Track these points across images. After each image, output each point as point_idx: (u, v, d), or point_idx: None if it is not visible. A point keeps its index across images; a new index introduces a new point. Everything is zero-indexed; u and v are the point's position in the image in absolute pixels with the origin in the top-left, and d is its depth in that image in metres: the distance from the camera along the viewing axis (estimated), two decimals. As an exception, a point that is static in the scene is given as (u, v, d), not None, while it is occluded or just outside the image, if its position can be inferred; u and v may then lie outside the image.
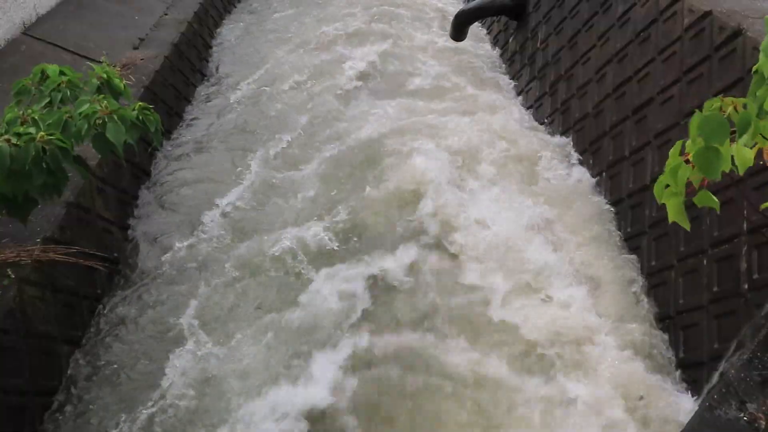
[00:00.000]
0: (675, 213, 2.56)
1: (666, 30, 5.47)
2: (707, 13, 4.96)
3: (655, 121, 5.41)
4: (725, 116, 2.32)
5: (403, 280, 5.25)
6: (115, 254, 5.57)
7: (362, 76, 8.76)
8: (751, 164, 2.45)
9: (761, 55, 2.32)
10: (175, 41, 8.57)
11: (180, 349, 4.74)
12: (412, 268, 5.37)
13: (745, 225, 4.18)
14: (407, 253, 5.47)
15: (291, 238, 5.59)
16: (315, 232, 5.69)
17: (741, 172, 2.45)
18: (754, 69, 2.35)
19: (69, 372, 4.58)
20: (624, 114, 5.91)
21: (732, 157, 2.41)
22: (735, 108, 2.33)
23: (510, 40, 9.29)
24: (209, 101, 8.46)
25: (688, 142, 2.46)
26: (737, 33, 4.57)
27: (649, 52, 5.67)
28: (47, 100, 4.09)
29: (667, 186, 2.55)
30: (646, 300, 5.03)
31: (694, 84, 4.97)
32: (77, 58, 7.23)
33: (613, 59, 6.26)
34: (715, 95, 4.62)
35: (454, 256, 5.52)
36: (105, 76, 4.28)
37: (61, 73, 4.20)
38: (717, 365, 4.10)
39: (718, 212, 2.67)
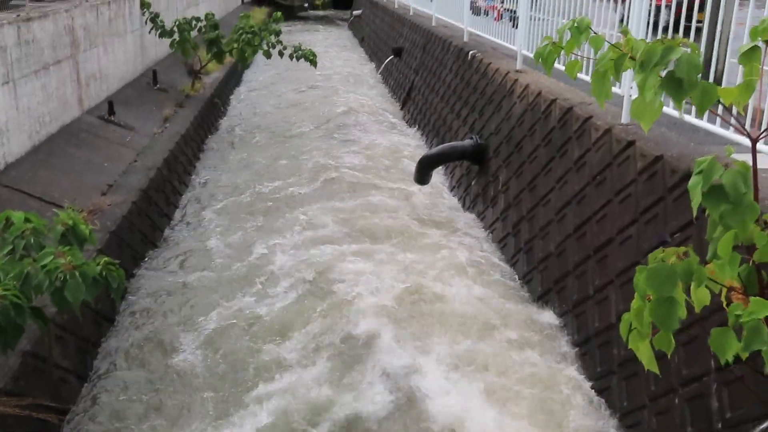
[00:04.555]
0: (647, 360, 2.57)
1: (620, 173, 5.70)
2: (659, 158, 5.19)
3: (616, 260, 5.52)
4: (670, 266, 2.40)
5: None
6: (71, 406, 5.33)
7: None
8: (707, 303, 2.49)
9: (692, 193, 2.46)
10: (144, 187, 8.68)
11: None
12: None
13: (712, 363, 4.17)
14: None
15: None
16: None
17: (698, 310, 2.49)
18: (707, 213, 2.45)
19: None
20: (586, 253, 6.02)
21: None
22: (678, 257, 2.42)
23: (472, 183, 9.58)
24: (177, 246, 8.45)
25: (637, 296, 2.53)
26: (688, 175, 4.74)
27: (605, 194, 5.87)
28: (10, 247, 4.06)
29: (632, 326, 2.57)
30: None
31: (651, 224, 5.12)
32: (44, 204, 7.25)
33: (572, 201, 6.47)
34: (672, 235, 4.77)
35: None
36: (70, 222, 4.27)
37: (26, 219, 4.19)
38: None
39: (666, 353, 2.69)
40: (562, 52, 2.94)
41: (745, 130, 2.82)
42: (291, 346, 6.16)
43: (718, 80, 5.36)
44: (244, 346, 6.21)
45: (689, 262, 2.38)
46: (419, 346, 6.09)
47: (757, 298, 2.36)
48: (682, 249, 2.43)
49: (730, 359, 2.40)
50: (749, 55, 2.54)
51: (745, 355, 2.50)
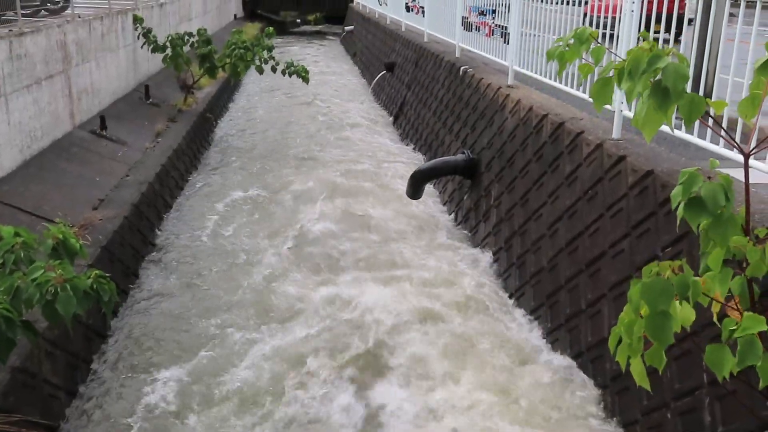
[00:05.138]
0: (639, 376, 2.57)
1: (612, 188, 5.72)
2: (649, 172, 5.22)
3: (609, 275, 5.52)
4: (666, 279, 2.39)
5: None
6: (61, 422, 5.28)
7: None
8: (689, 324, 2.49)
9: (675, 202, 2.47)
10: (135, 201, 8.65)
11: None
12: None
13: (705, 377, 4.18)
14: None
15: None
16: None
17: (681, 328, 2.50)
18: (702, 226, 2.46)
19: None
20: (578, 268, 6.03)
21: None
22: (673, 270, 2.42)
23: (465, 197, 9.60)
24: (167, 259, 8.41)
25: (627, 309, 2.52)
26: (679, 190, 4.79)
27: (597, 209, 5.89)
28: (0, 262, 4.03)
29: (620, 340, 2.57)
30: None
31: (643, 238, 5.13)
32: (35, 219, 7.21)
33: (564, 215, 6.48)
34: (664, 249, 4.78)
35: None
36: (61, 236, 4.25)
37: (16, 234, 4.16)
38: None
39: (658, 368, 2.69)
40: (552, 62, 2.95)
41: (737, 144, 2.83)
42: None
43: (707, 95, 5.39)
44: (237, 349, 6.23)
45: (685, 276, 2.38)
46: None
47: (750, 313, 2.36)
48: (677, 263, 2.43)
49: (728, 375, 2.39)
50: (763, 69, 2.52)
51: (736, 369, 2.50)
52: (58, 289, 3.72)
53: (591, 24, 7.22)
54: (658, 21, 5.72)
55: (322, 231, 9.11)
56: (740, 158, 2.72)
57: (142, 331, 6.67)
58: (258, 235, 9.15)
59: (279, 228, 9.36)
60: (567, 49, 2.82)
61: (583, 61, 2.88)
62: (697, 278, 2.43)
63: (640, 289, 2.40)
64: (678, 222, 2.48)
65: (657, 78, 2.43)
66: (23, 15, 9.23)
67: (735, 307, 2.64)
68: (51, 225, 4.53)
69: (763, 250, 2.45)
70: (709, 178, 2.46)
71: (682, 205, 2.43)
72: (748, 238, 2.51)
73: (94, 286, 3.95)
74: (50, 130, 9.36)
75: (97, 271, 4.08)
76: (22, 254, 4.02)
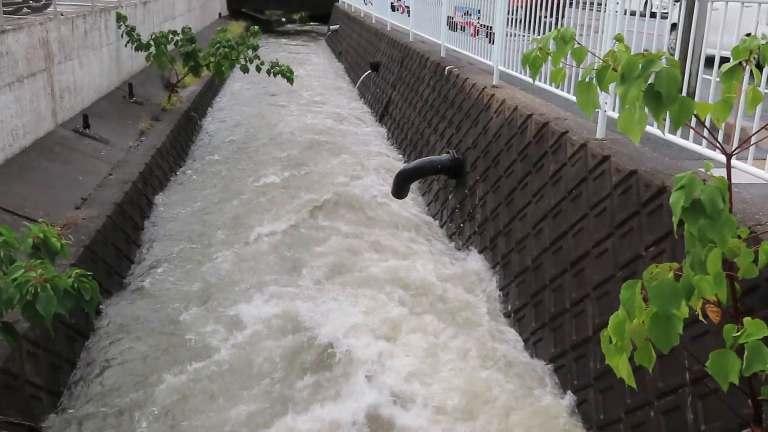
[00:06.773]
0: (627, 375, 2.59)
1: (596, 187, 5.75)
2: (633, 172, 5.25)
3: (593, 274, 5.55)
4: (674, 281, 2.40)
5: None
6: (42, 424, 5.23)
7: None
8: (686, 317, 2.51)
9: (674, 210, 2.48)
10: (119, 201, 8.59)
11: None
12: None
13: (687, 375, 4.20)
14: None
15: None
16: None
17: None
18: (687, 231, 2.47)
19: None
20: (562, 267, 6.05)
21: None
22: (675, 273, 2.42)
23: (450, 197, 9.61)
24: (153, 259, 8.37)
25: (620, 313, 2.53)
26: (662, 190, 4.82)
27: (581, 209, 5.91)
28: (-20, 261, 3.98)
29: (611, 341, 2.58)
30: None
31: (626, 238, 5.16)
32: (17, 218, 7.14)
33: (548, 215, 6.50)
34: (647, 248, 4.81)
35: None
36: (42, 236, 4.21)
37: (-3, 233, 4.12)
38: None
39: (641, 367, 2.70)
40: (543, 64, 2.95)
41: (720, 144, 2.85)
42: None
43: (690, 95, 5.43)
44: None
45: (689, 277, 2.38)
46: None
47: (754, 319, 2.37)
48: (675, 265, 2.44)
49: (736, 380, 2.38)
50: (731, 74, 2.56)
51: (737, 375, 2.51)
52: (39, 289, 3.68)
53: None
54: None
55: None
56: (723, 158, 2.75)
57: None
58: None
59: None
60: (539, 54, 2.84)
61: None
62: (702, 281, 2.44)
63: (651, 292, 2.38)
64: (675, 227, 2.48)
65: (649, 83, 2.45)
66: (5, 12, 9.14)
67: (717, 306, 2.66)
68: (33, 224, 4.48)
69: (755, 251, 2.47)
70: (704, 181, 2.48)
71: (679, 210, 2.43)
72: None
73: (76, 286, 3.91)
74: (32, 129, 9.27)
75: (78, 270, 4.04)
76: (3, 253, 3.98)
